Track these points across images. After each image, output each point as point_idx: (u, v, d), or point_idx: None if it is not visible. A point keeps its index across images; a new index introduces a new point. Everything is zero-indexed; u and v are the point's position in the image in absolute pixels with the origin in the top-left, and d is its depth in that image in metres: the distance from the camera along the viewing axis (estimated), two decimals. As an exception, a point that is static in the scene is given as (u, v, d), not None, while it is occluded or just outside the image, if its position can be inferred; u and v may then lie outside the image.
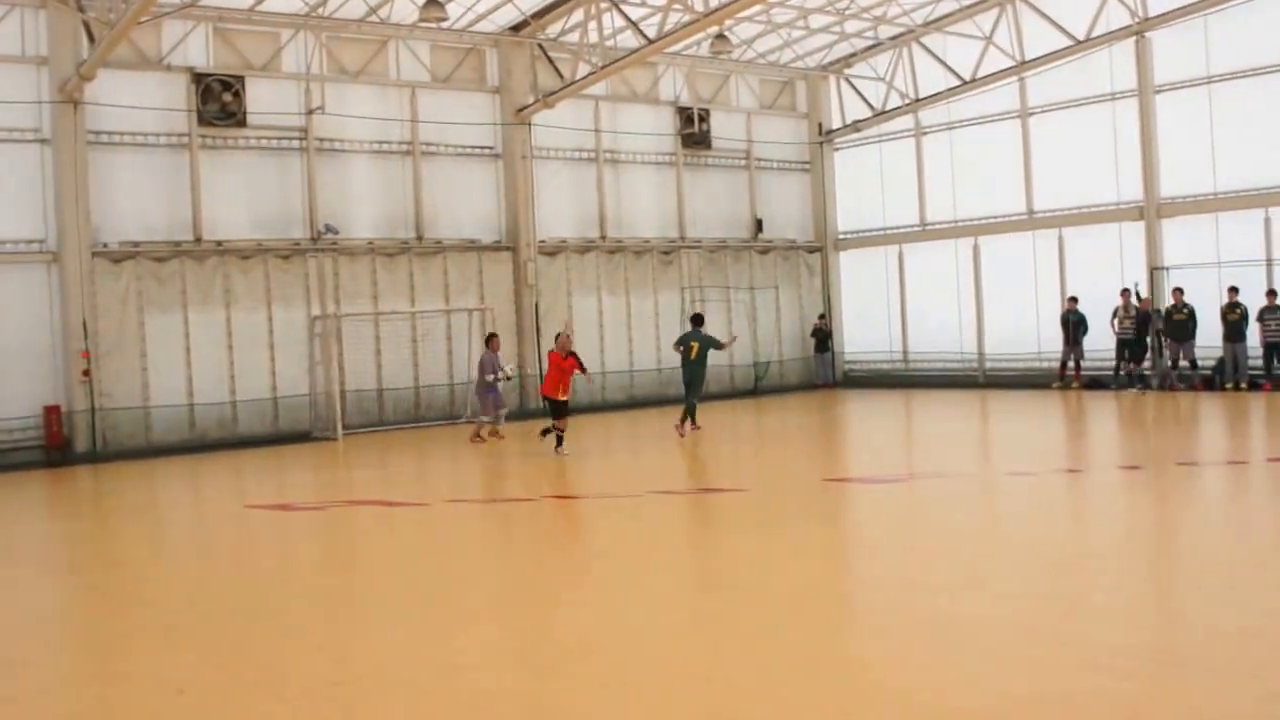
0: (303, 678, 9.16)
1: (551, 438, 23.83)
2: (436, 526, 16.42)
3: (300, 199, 29.76)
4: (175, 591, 12.84)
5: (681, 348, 26.19)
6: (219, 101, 28.34)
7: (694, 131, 36.67)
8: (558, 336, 24.14)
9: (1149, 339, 31.50)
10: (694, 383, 26.00)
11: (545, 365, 26.05)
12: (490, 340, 27.21)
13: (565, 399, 23.80)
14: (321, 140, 29.99)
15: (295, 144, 29.66)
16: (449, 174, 32.23)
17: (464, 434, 27.74)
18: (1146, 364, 31.69)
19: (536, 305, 33.05)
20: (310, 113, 29.61)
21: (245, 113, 28.77)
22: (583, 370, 24.55)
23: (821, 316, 39.39)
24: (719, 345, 26.25)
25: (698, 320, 27.29)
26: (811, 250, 40.04)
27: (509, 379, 27.35)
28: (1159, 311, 31.65)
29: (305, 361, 29.45)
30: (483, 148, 32.79)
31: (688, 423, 25.72)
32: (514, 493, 19.84)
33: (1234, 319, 29.84)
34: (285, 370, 29.25)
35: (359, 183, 30.79)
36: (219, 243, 28.62)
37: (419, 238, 31.55)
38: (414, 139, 31.46)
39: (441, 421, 30.86)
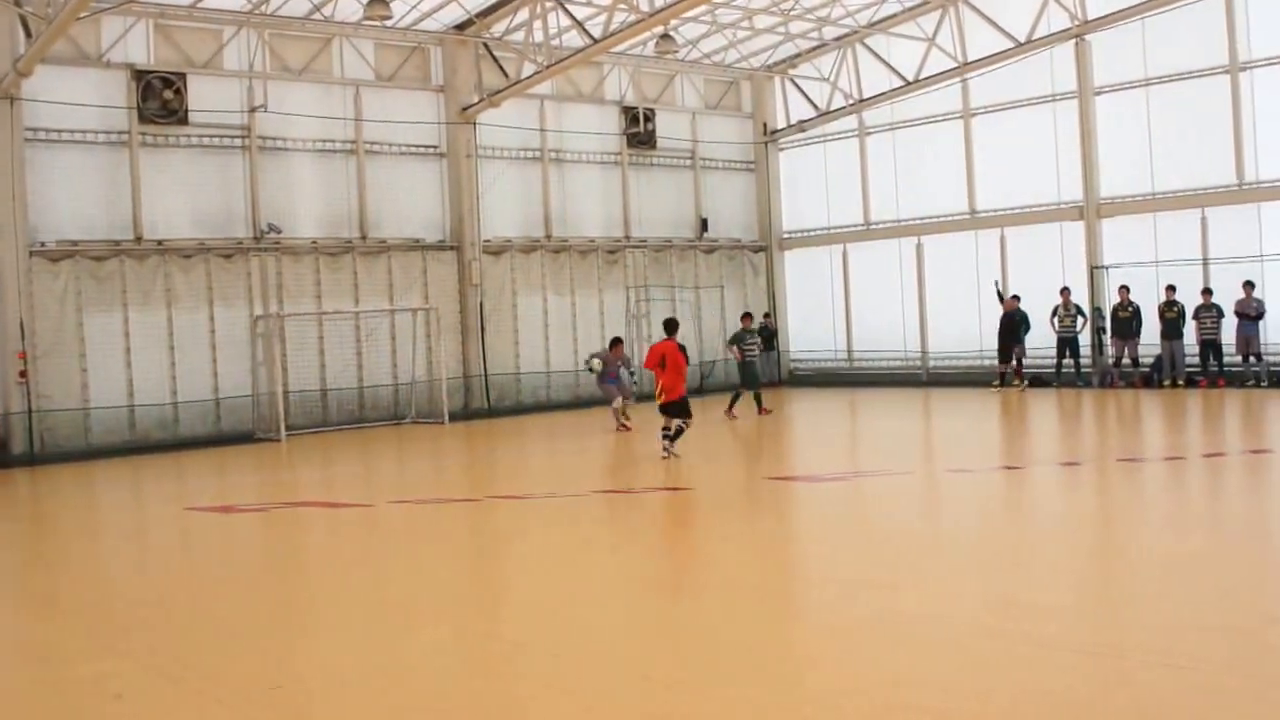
0: (243, 681, 9.07)
1: (666, 439, 21.44)
2: (380, 527, 16.29)
3: (242, 198, 29.50)
4: (113, 595, 12.71)
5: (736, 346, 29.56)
6: (160, 99, 28.06)
7: (639, 131, 36.66)
8: (670, 325, 22.70)
9: (1018, 338, 32.52)
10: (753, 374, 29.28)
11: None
12: (615, 345, 28.45)
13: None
14: (264, 139, 29.75)
15: (237, 142, 29.41)
16: (393, 173, 32.06)
17: (409, 434, 27.61)
18: (1085, 361, 32.01)
19: (481, 305, 32.93)
20: (253, 111, 29.37)
21: (187, 110, 28.48)
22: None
23: (766, 315, 39.44)
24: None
25: (749, 318, 30.92)
26: (756, 250, 40.11)
27: (592, 372, 28.14)
28: (1099, 310, 31.97)
29: (248, 362, 29.20)
30: (427, 147, 32.65)
31: (758, 406, 28.73)
32: (458, 493, 19.76)
33: (1171, 317, 30.14)
34: (227, 371, 28.98)
35: (302, 182, 30.56)
36: (160, 242, 28.34)
37: (363, 237, 31.38)
38: (358, 138, 31.28)
39: (385, 422, 30.70)
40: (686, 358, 23.30)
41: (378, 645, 9.93)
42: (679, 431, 21.20)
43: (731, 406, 28.80)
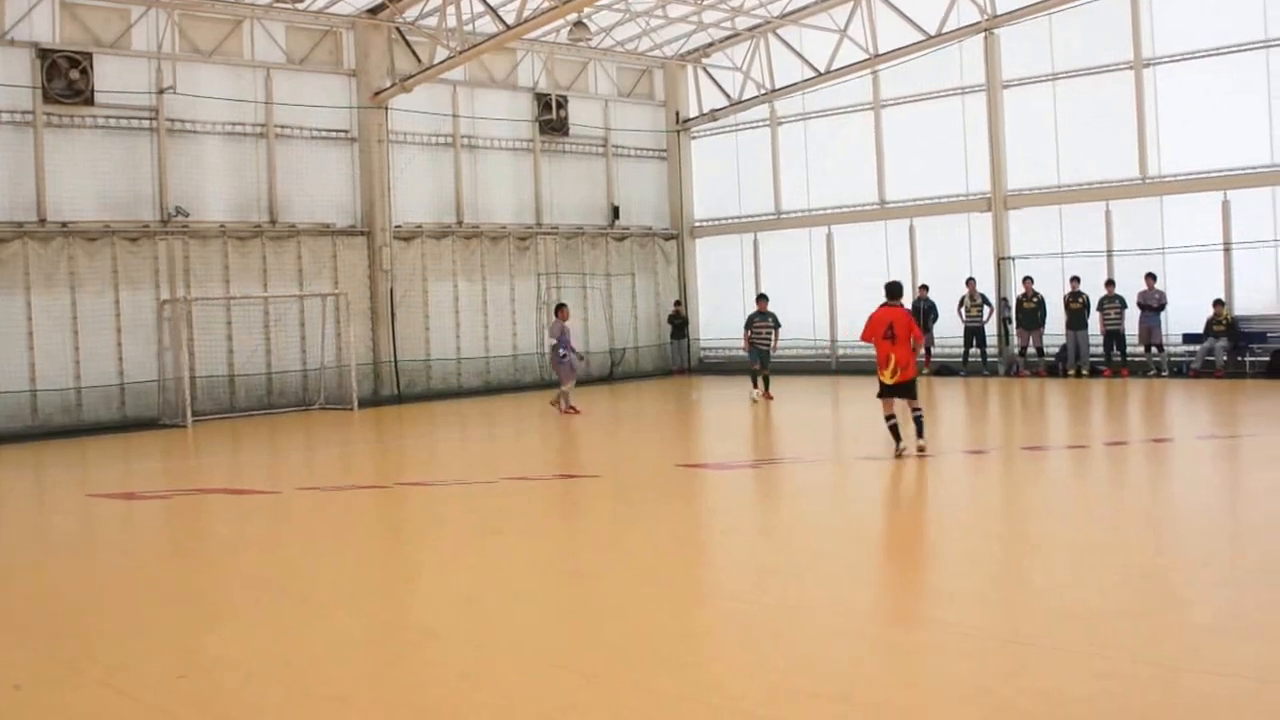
0: (146, 671, 8.91)
1: (895, 429, 18.26)
2: (286, 515, 16.12)
3: (150, 180, 29.04)
4: (11, 584, 12.46)
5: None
6: (65, 79, 27.54)
7: (552, 118, 36.52)
8: (894, 289, 18.93)
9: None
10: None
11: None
12: (559, 310, 27.94)
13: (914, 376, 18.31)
14: (172, 121, 29.30)
15: (145, 124, 28.94)
16: (304, 157, 31.71)
17: (318, 420, 27.38)
18: (992, 351, 32.40)
19: (392, 291, 32.69)
20: (161, 92, 28.91)
21: (93, 91, 27.96)
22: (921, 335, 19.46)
23: (677, 303, 39.50)
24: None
25: (764, 300, 29.85)
26: (667, 238, 40.13)
27: (581, 359, 28.04)
28: (1005, 300, 32.33)
29: (154, 346, 28.77)
30: (338, 131, 32.33)
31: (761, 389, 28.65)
32: (367, 480, 19.60)
33: (1076, 308, 30.57)
34: (133, 355, 28.54)
35: (211, 165, 30.12)
36: (64, 224, 27.82)
37: (272, 221, 31.02)
38: (268, 121, 30.90)
39: (294, 408, 30.41)
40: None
41: (284, 635, 9.80)
42: (919, 418, 18.06)
43: (763, 388, 28.66)
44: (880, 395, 18.11)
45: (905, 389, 17.92)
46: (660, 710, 7.66)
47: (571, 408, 26.98)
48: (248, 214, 30.72)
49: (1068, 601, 9.69)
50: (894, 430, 17.97)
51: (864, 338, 18.45)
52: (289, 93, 31.24)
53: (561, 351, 27.14)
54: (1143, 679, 7.80)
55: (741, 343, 29.64)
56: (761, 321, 29.00)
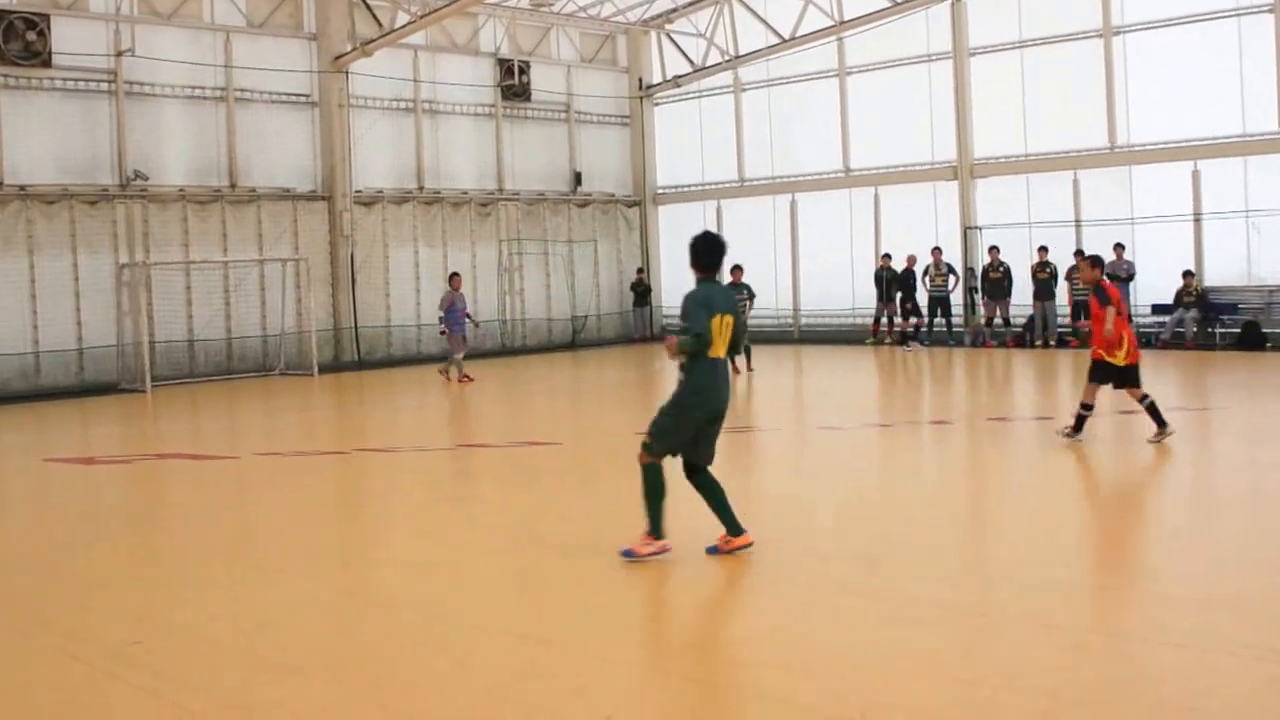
0: (101, 637, 8.87)
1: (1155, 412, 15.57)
2: (244, 480, 16.08)
3: (109, 144, 28.85)
4: (-32, 548, 12.40)
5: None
6: (22, 40, 27.28)
7: (514, 84, 36.40)
8: (1088, 260, 16.46)
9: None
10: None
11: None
12: (453, 279, 27.56)
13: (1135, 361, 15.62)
14: (131, 84, 29.06)
15: (104, 87, 28.71)
16: (264, 121, 31.54)
17: (277, 386, 27.28)
18: (957, 321, 32.46)
19: (352, 256, 32.58)
20: (119, 55, 28.67)
21: (50, 53, 27.72)
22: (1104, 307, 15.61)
23: (640, 270, 39.47)
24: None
25: (740, 271, 26.99)
26: (630, 204, 40.08)
27: (476, 326, 27.52)
28: (972, 270, 32.38)
29: (113, 311, 28.60)
30: (299, 95, 32.14)
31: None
32: (325, 446, 19.54)
33: (1043, 278, 30.58)
34: (91, 320, 28.38)
35: (171, 128, 29.95)
36: (22, 187, 27.63)
37: (232, 186, 30.85)
38: (228, 85, 30.70)
39: (254, 374, 30.29)
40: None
41: (241, 601, 9.78)
42: (1153, 405, 15.36)
43: (743, 361, 27.31)
44: (1095, 380, 15.69)
45: (1133, 374, 15.49)
46: (618, 679, 7.67)
47: (465, 376, 26.90)
48: (207, 178, 30.54)
49: (1026, 574, 9.72)
50: (1080, 423, 15.68)
51: (1110, 314, 15.23)
52: (249, 56, 31.04)
53: (441, 326, 27.06)
54: (1104, 651, 7.85)
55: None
56: (736, 294, 27.44)
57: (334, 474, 16.83)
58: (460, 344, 27.08)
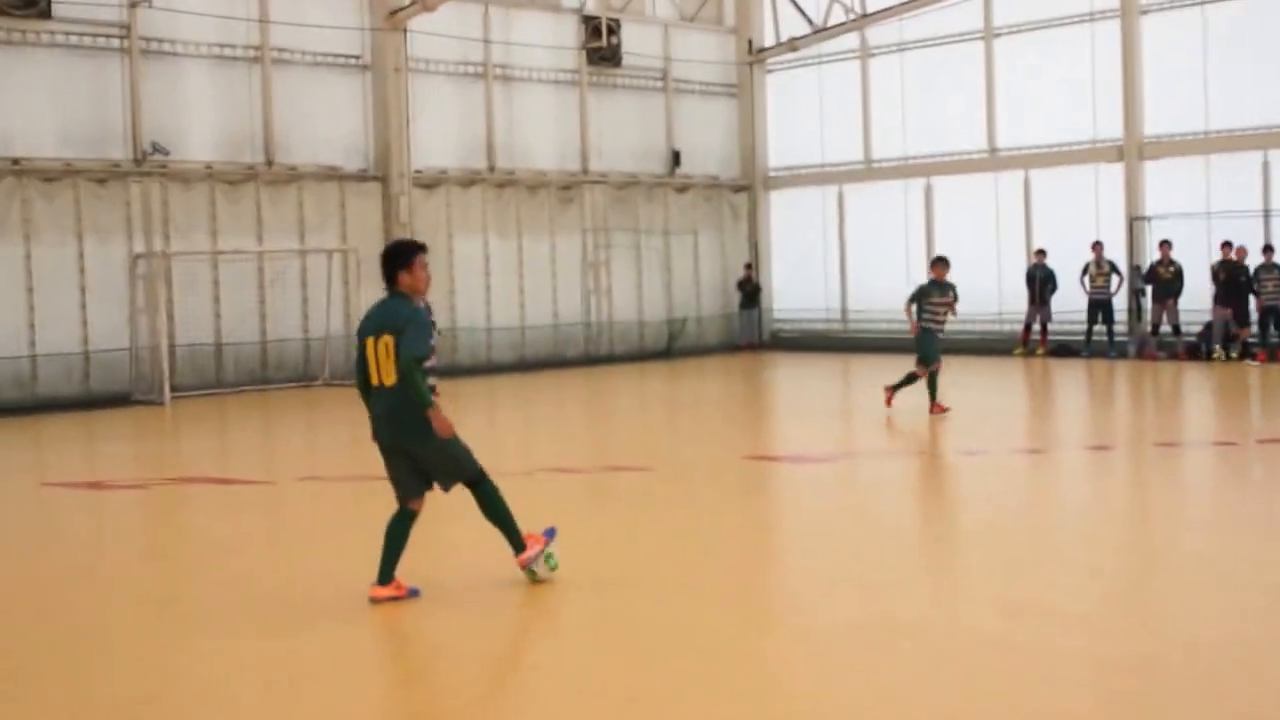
0: (112, 692, 8.91)
1: None
2: (282, 510, 16.19)
3: (121, 111, 29.04)
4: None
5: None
6: (17, -15, 27.58)
7: (601, 46, 36.38)
8: None
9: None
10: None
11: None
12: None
13: None
14: (149, 40, 29.27)
15: (115, 43, 28.91)
16: (306, 86, 31.67)
17: (321, 398, 27.42)
18: (1120, 328, 32.07)
19: (410, 247, 32.60)
20: (134, 5, 28.88)
21: (50, 2, 27.93)
22: None
23: (748, 267, 39.37)
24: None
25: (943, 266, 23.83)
26: (737, 189, 39.99)
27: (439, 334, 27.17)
28: (1138, 268, 31.99)
29: (125, 309, 28.80)
30: (348, 56, 32.29)
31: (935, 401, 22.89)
32: (376, 470, 19.48)
33: (1228, 279, 30.07)
34: (100, 319, 28.58)
35: (195, 93, 30.11)
36: (16, 160, 27.81)
37: (269, 162, 31.02)
38: (264, 42, 30.83)
39: (293, 384, 30.46)
40: None
41: (273, 651, 9.76)
42: None
43: (904, 386, 23.18)
44: None
45: None
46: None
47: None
48: (239, 154, 30.71)
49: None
50: None
51: None
52: (288, 9, 31.09)
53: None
54: None
55: (907, 326, 23.15)
56: (941, 296, 23.34)
57: (387, 503, 16.78)
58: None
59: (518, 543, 10.94)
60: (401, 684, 8.99)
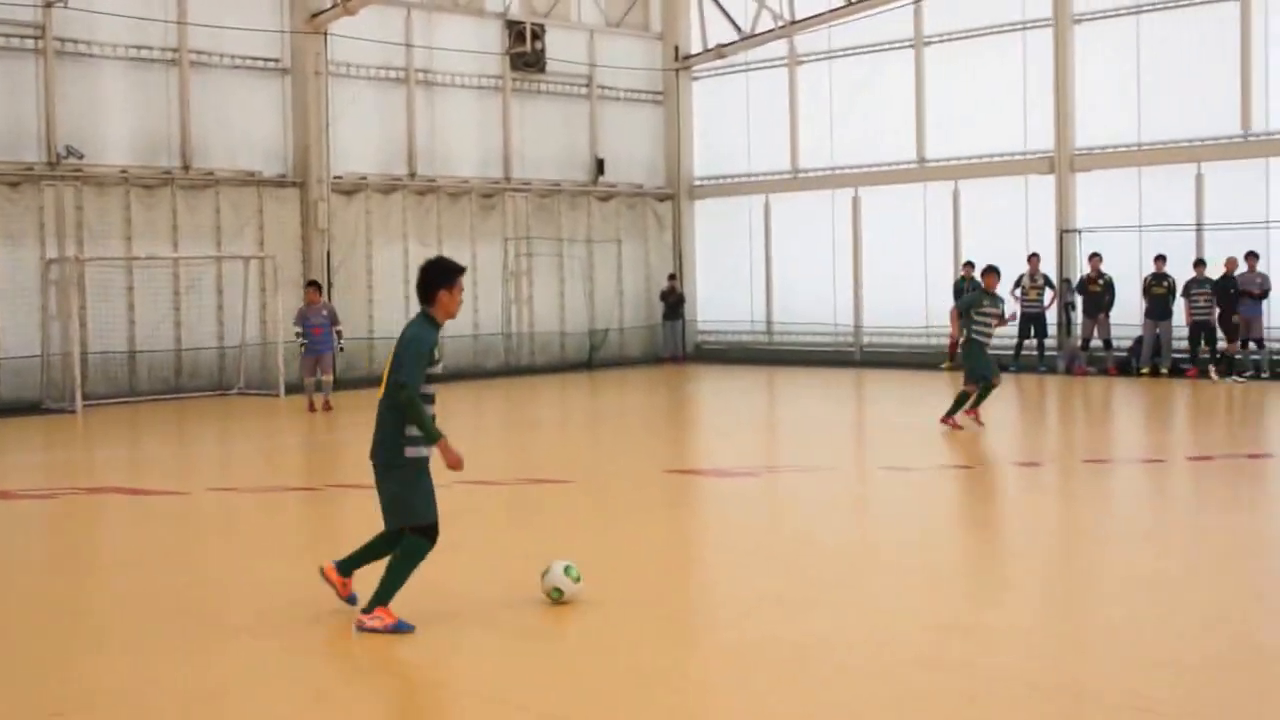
0: (16, 708, 8.85)
1: None
2: (196, 520, 16.08)
3: (35, 113, 28.84)
4: None
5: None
6: (-72, -14, 27.38)
7: (526, 51, 36.38)
8: None
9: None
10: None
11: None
12: (310, 287, 27.64)
13: None
14: (64, 41, 29.08)
15: (29, 44, 28.69)
16: (224, 90, 31.52)
17: (237, 407, 27.32)
18: (1051, 342, 32.25)
19: (328, 254, 32.55)
20: (49, 5, 28.70)
21: (-39, 3, 27.83)
22: None
23: (672, 277, 39.41)
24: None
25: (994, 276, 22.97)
26: (662, 198, 40.06)
27: (302, 345, 26.84)
28: (1069, 282, 32.20)
29: (36, 315, 28.61)
30: (267, 60, 32.17)
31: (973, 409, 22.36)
32: (292, 480, 19.50)
33: (1159, 293, 30.26)
34: (11, 325, 28.33)
35: (111, 96, 29.94)
36: (-76, 164, 27.76)
37: (185, 167, 30.86)
38: (181, 44, 30.67)
39: (208, 393, 30.28)
40: None
41: (187, 664, 9.73)
42: None
43: (961, 410, 22.22)
44: None
45: None
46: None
47: (326, 403, 26.83)
48: (155, 158, 30.55)
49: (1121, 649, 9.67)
50: None
51: None
52: (207, 11, 30.95)
53: (302, 341, 26.71)
54: None
55: (948, 334, 22.64)
56: (992, 306, 22.56)
57: (304, 514, 16.81)
58: (312, 367, 26.78)
59: (375, 600, 10.33)
60: (315, 701, 8.96)
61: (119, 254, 29.68)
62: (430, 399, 10.39)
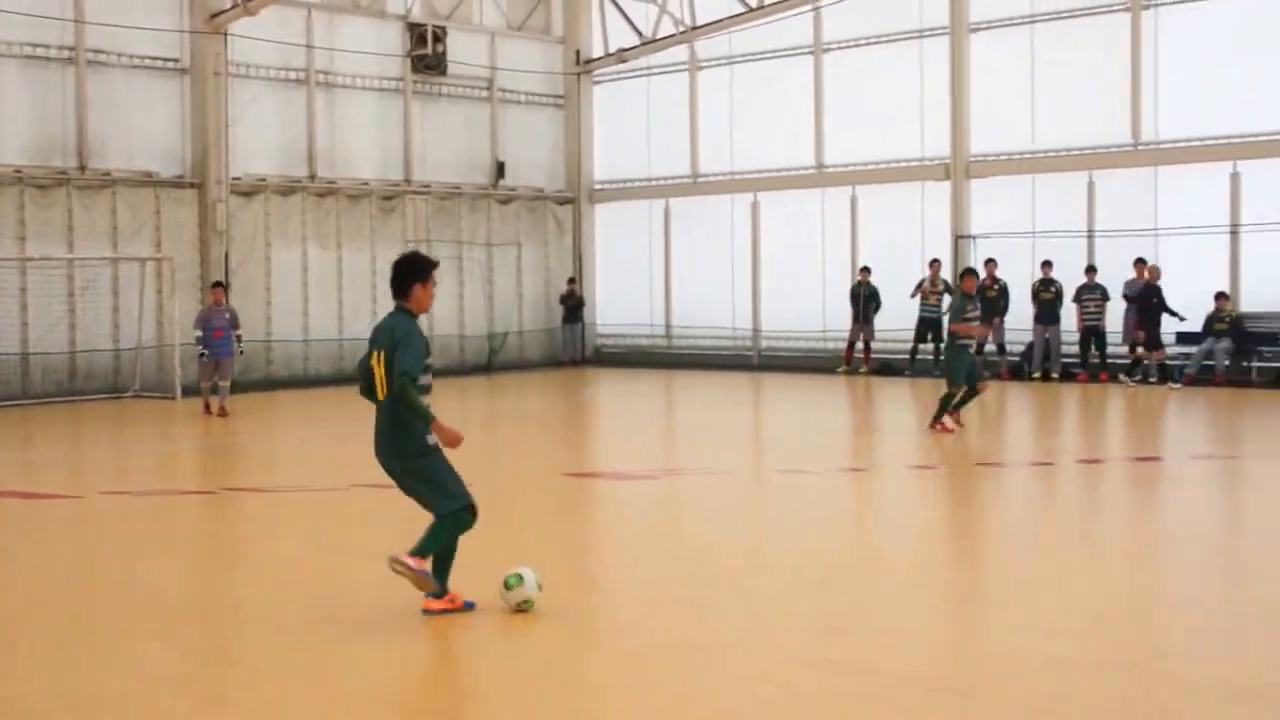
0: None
1: None
2: (90, 524, 15.94)
3: (-74, 112, 28.66)
4: None
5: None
6: None
7: (427, 54, 36.32)
8: None
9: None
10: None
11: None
12: (215, 288, 27.35)
13: None
14: (-42, 41, 28.91)
15: (-77, 43, 28.53)
16: (122, 90, 31.30)
17: (132, 410, 27.12)
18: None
19: (227, 256, 32.36)
20: (-60, 4, 28.50)
21: None
22: None
23: (571, 281, 39.44)
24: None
25: (972, 276, 23.34)
26: (562, 202, 40.10)
27: (203, 354, 26.45)
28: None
29: (-72, 316, 28.38)
30: (166, 60, 31.96)
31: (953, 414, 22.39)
32: (187, 484, 19.39)
33: (1047, 298, 30.65)
34: (-100, 327, 28.15)
35: (6, 95, 29.67)
36: None
37: (81, 167, 30.62)
38: (78, 43, 30.45)
39: (103, 395, 30.03)
40: None
41: (80, 670, 9.66)
42: None
43: (947, 412, 22.21)
44: None
45: None
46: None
47: (222, 408, 26.44)
48: (50, 158, 30.30)
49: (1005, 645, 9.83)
50: None
51: None
52: (105, 10, 30.73)
53: (201, 348, 26.32)
54: None
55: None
56: (973, 309, 22.70)
57: (197, 518, 16.70)
58: (210, 371, 26.62)
59: (416, 550, 10.64)
60: (210, 704, 8.95)
61: (12, 254, 29.40)
62: (427, 389, 10.73)
